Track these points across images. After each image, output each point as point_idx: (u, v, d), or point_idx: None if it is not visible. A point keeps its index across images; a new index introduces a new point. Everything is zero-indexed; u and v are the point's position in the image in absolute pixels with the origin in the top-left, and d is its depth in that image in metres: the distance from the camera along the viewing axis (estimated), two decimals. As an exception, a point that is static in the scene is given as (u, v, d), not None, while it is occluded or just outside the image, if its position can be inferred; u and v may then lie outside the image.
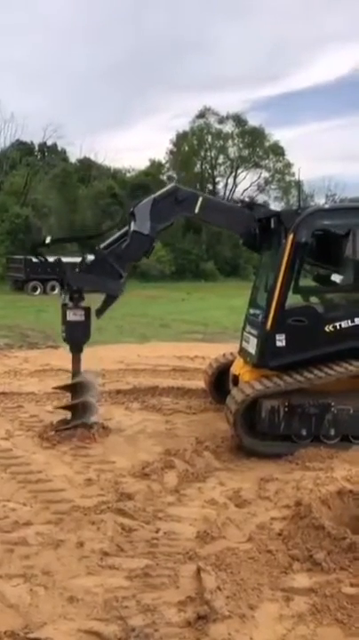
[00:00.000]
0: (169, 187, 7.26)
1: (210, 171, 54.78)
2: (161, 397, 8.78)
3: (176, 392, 9.05)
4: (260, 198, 55.46)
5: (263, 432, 6.38)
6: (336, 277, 6.66)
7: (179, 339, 15.07)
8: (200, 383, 9.00)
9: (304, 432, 6.38)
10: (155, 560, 4.10)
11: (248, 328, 7.46)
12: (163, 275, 41.06)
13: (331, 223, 6.80)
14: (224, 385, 7.95)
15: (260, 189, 55.21)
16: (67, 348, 7.19)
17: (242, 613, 3.46)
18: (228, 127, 53.28)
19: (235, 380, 7.31)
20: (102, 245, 7.26)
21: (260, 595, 3.67)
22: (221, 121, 52.94)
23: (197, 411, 8.13)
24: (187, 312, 21.36)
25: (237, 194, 55.50)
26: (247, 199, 54.82)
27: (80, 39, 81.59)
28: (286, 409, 6.34)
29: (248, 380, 6.74)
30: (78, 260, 7.28)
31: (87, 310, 6.95)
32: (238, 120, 53.00)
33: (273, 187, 55.04)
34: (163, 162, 54.79)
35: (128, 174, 53.77)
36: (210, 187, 54.68)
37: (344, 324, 6.60)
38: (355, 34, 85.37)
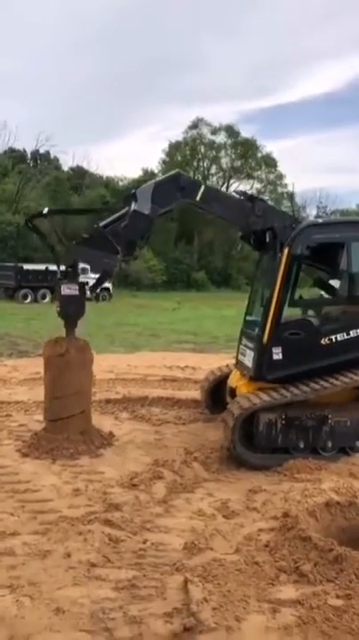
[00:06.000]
0: (172, 172, 7.26)
1: (202, 181, 55.01)
2: (150, 407, 8.77)
3: (165, 402, 9.04)
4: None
5: (260, 445, 6.37)
6: (335, 283, 6.73)
7: (169, 348, 15.08)
8: (190, 393, 9.01)
9: (301, 444, 6.39)
10: (142, 571, 4.08)
11: (244, 341, 7.44)
12: (154, 284, 41.11)
13: (325, 237, 6.87)
14: (221, 397, 7.91)
15: (252, 200, 55.58)
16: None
17: (228, 625, 3.45)
18: (221, 138, 53.79)
19: (233, 393, 7.30)
20: (101, 224, 7.08)
21: (247, 606, 3.66)
22: (214, 132, 53.41)
23: (187, 421, 8.12)
24: (177, 322, 21.38)
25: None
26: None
27: (75, 50, 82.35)
28: (283, 422, 6.34)
29: (245, 393, 6.75)
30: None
31: (82, 285, 6.83)
32: (231, 131, 53.46)
33: (265, 197, 55.29)
34: (156, 171, 55.12)
35: (120, 183, 53.97)
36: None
37: (340, 336, 6.65)
38: (343, 51, 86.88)
